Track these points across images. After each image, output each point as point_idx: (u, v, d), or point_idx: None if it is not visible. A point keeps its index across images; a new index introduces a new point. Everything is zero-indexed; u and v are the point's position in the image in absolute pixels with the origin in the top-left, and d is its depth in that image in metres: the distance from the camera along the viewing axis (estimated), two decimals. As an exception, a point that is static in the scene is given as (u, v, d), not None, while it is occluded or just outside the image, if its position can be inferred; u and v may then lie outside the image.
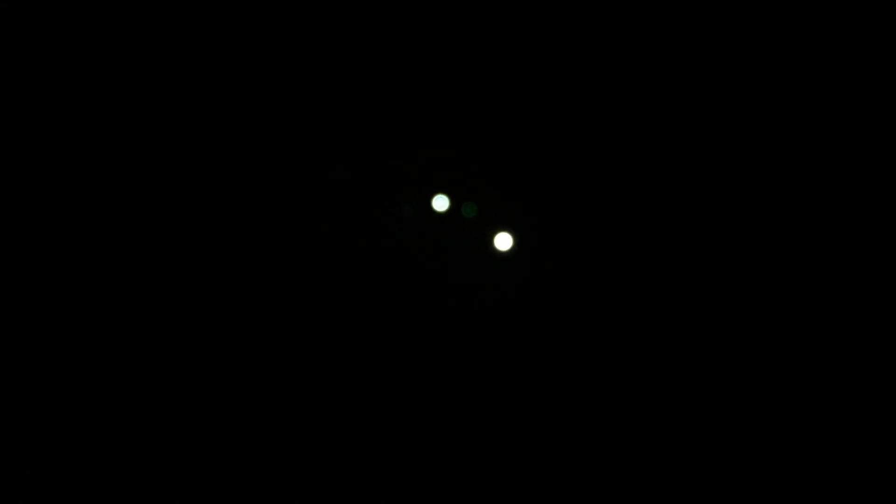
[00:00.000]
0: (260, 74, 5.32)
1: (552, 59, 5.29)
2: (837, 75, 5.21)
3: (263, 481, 5.16)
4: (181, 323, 5.26)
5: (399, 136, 5.28)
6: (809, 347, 5.15)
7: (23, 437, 5.13)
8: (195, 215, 5.31)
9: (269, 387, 5.24)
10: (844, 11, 5.16)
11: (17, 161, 5.30)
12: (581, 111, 5.30)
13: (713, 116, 5.27)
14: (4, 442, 5.12)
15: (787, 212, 5.21)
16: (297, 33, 5.33)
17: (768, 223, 5.24)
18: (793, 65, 5.23)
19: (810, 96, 5.22)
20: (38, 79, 5.31)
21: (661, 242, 5.26)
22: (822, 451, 5.07)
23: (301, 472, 5.18)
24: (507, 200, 5.26)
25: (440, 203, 5.21)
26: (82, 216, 5.31)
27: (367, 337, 5.25)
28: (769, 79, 5.25)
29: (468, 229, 5.24)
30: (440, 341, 5.25)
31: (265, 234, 5.30)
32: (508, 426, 5.20)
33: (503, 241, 5.23)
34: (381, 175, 5.27)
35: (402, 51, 5.29)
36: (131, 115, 5.34)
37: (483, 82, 5.29)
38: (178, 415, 5.21)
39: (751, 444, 5.12)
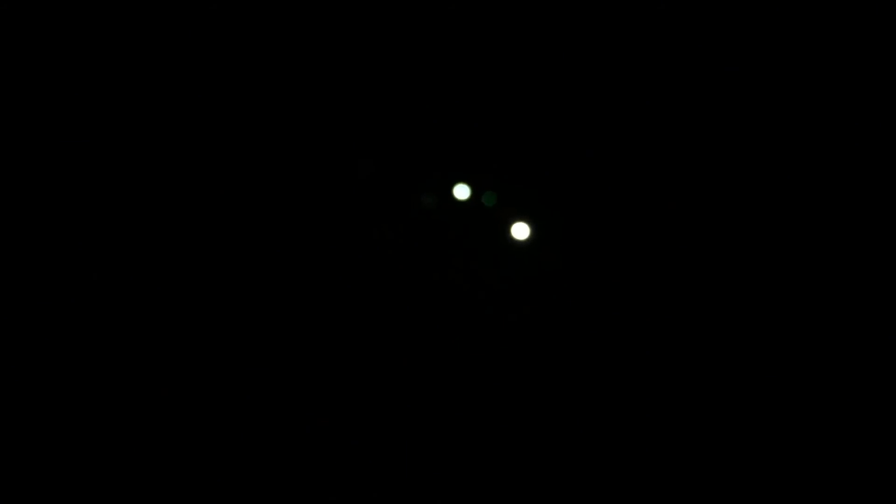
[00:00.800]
0: (282, 68, 5.31)
1: (574, 52, 5.30)
2: (837, 75, 5.25)
3: (275, 480, 5.15)
4: (209, 318, 5.24)
5: (422, 125, 5.28)
6: (821, 349, 5.18)
7: (23, 438, 5.07)
8: (221, 209, 5.30)
9: (286, 377, 5.22)
10: (844, 11, 5.20)
11: (17, 161, 5.23)
12: (600, 105, 5.30)
13: (730, 111, 5.29)
14: (4, 442, 5.06)
15: (808, 209, 5.24)
16: (319, 27, 5.31)
17: (783, 219, 5.27)
18: (795, 65, 5.27)
19: (813, 97, 5.26)
20: (38, 79, 5.25)
21: (677, 235, 5.28)
22: (822, 452, 5.08)
23: (321, 465, 5.17)
24: (526, 191, 5.29)
25: (461, 192, 5.23)
26: (83, 216, 5.25)
27: (384, 323, 5.26)
28: (786, 77, 5.29)
29: (487, 218, 5.27)
30: (455, 328, 5.26)
31: (287, 224, 5.29)
32: (522, 417, 5.20)
33: (520, 231, 5.27)
34: (404, 163, 5.27)
35: (425, 42, 5.29)
36: (148, 116, 5.31)
37: (508, 75, 5.29)
38: (178, 415, 5.16)
39: (764, 444, 5.14)
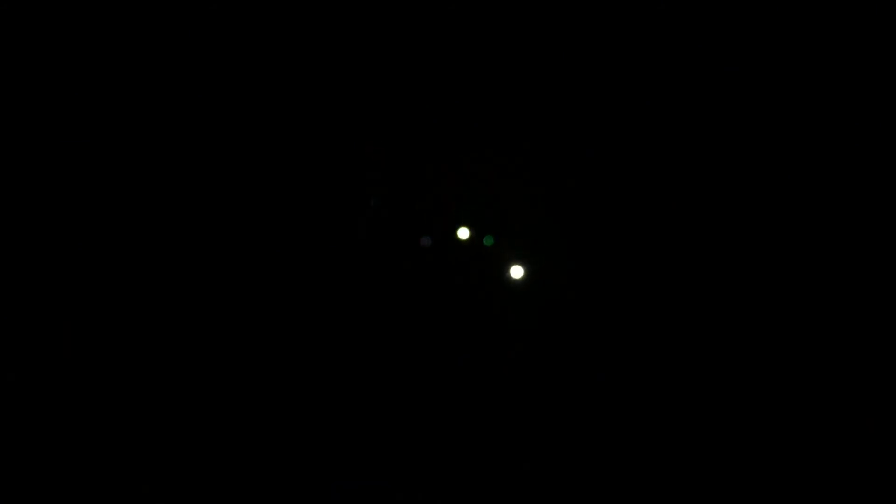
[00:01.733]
0: (292, 108, 5.42)
1: (580, 99, 5.40)
2: (837, 75, 5.24)
3: (271, 481, 5.15)
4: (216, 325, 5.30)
5: (431, 170, 5.43)
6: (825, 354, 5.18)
7: (23, 437, 5.08)
8: (229, 230, 5.37)
9: (281, 401, 5.27)
10: (844, 12, 5.19)
11: (17, 161, 5.26)
12: (597, 150, 5.40)
13: (731, 112, 5.30)
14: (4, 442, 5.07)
15: (816, 228, 5.25)
16: (332, 65, 5.42)
17: (785, 231, 5.27)
18: (795, 65, 5.27)
19: (813, 97, 5.26)
20: (37, 79, 5.28)
21: (667, 274, 5.32)
22: (822, 451, 5.06)
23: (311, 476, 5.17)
24: (523, 233, 5.44)
25: (463, 232, 5.42)
26: (82, 216, 5.28)
27: (385, 355, 5.32)
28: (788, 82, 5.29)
29: (485, 258, 5.41)
30: (455, 357, 5.34)
31: (290, 254, 5.36)
32: (517, 448, 5.25)
33: (516, 271, 5.42)
34: (412, 204, 5.41)
35: (437, 90, 5.40)
36: (153, 117, 5.36)
37: (522, 122, 5.42)
38: (178, 415, 5.18)
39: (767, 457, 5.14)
